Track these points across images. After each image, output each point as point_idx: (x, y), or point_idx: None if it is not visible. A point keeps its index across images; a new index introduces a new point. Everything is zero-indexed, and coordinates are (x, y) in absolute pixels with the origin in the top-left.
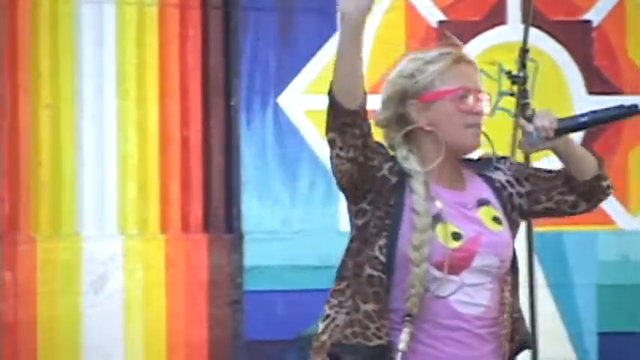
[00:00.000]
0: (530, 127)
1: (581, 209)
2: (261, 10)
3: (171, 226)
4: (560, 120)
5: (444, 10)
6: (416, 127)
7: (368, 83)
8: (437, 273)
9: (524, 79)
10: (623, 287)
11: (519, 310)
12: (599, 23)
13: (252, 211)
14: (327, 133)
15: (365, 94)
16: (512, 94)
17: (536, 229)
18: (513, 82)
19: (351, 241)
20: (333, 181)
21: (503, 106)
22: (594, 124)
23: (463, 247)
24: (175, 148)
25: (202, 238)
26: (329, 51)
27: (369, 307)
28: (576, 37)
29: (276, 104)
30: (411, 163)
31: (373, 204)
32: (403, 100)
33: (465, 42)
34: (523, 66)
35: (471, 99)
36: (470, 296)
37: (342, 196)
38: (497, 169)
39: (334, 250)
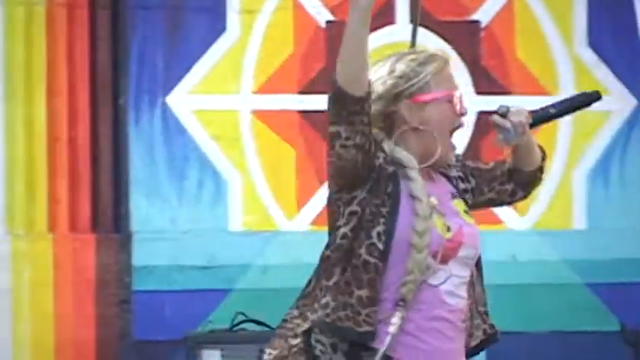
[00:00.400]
0: (507, 124)
1: (519, 197)
2: (149, 9)
3: (59, 225)
4: (531, 113)
5: (333, 10)
6: (410, 126)
7: (257, 82)
8: (432, 262)
9: None
10: (512, 287)
11: (485, 305)
12: (487, 23)
13: (141, 210)
14: (330, 127)
15: (369, 80)
16: None
17: None
18: None
19: (337, 229)
20: (222, 180)
21: None
22: (563, 114)
23: (453, 238)
24: (63, 147)
25: (90, 237)
26: (218, 50)
27: (363, 292)
28: (464, 37)
29: (164, 104)
30: (403, 154)
31: (370, 192)
32: (395, 99)
33: None
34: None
35: (456, 101)
36: (455, 287)
37: (230, 196)
38: (449, 165)
39: (222, 250)
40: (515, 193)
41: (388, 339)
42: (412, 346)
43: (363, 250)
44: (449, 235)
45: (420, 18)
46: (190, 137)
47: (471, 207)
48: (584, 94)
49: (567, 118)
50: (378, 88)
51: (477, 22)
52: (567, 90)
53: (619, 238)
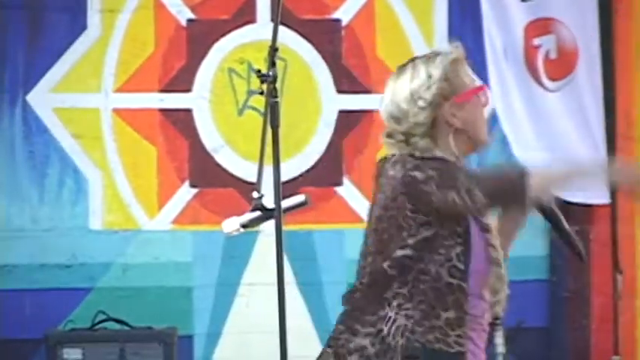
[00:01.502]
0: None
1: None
2: (9, 9)
3: None
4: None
5: (193, 9)
6: (453, 128)
7: (119, 81)
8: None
9: (274, 78)
10: None
11: None
12: (348, 22)
13: (1, 209)
14: (490, 199)
15: None
16: (261, 93)
17: (285, 227)
18: (263, 81)
19: (400, 245)
20: (83, 179)
21: (253, 104)
22: (561, 232)
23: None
24: None
25: None
26: (78, 49)
27: (450, 314)
28: (325, 35)
29: (25, 102)
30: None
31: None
32: (440, 103)
33: (215, 41)
34: (272, 64)
35: (483, 94)
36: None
37: (91, 195)
38: None
39: (84, 248)
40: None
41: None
42: (473, 352)
43: (443, 273)
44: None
45: (281, 16)
46: (51, 136)
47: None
48: (576, 249)
49: None
50: (425, 94)
51: (337, 20)
52: None
53: None
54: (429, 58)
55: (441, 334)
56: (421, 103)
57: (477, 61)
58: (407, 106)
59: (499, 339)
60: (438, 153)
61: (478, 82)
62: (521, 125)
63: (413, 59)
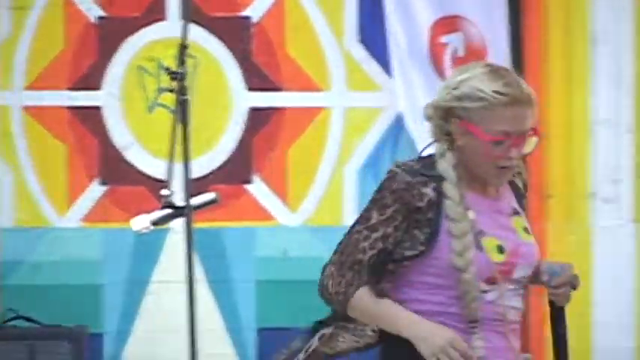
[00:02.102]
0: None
1: None
2: None
3: None
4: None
5: (103, 6)
6: (452, 140)
7: (29, 78)
8: (485, 287)
9: (184, 76)
10: (282, 283)
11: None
12: (258, 20)
13: None
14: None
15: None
16: (171, 90)
17: (195, 225)
18: (172, 79)
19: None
20: None
21: (163, 102)
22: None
23: (507, 260)
24: None
25: None
26: None
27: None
28: (235, 33)
29: None
30: (444, 164)
31: (416, 227)
32: (448, 114)
33: (125, 38)
34: (182, 62)
35: (506, 145)
36: (509, 300)
37: (1, 192)
38: (519, 173)
39: None
40: None
41: None
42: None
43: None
44: (501, 258)
45: (191, 14)
46: None
47: None
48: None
49: (339, 113)
50: (440, 96)
51: (247, 18)
52: (338, 85)
53: None
54: (481, 74)
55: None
56: (438, 97)
57: (388, 58)
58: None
59: (478, 342)
60: (441, 163)
61: (502, 135)
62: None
63: (478, 65)
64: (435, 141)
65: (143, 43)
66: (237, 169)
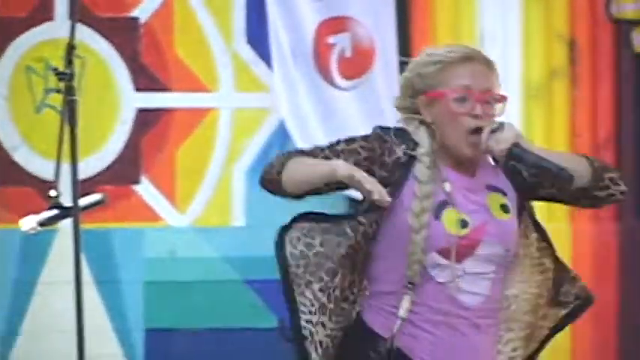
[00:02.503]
0: (484, 144)
1: (582, 205)
2: None
3: None
4: (517, 148)
5: None
6: (421, 119)
7: None
8: (442, 260)
9: (71, 76)
10: (170, 284)
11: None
12: (146, 20)
13: None
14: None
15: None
16: (59, 91)
17: (83, 226)
18: (60, 79)
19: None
20: None
21: (51, 103)
22: (536, 168)
23: (469, 235)
24: None
25: None
26: None
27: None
28: (123, 33)
29: None
30: (419, 133)
31: (386, 185)
32: (413, 94)
33: (12, 39)
34: (70, 62)
35: (469, 101)
36: (469, 284)
37: None
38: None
39: None
40: (572, 201)
41: (398, 322)
42: (425, 339)
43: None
44: (463, 232)
45: (78, 14)
46: None
47: (530, 198)
48: (561, 171)
49: (227, 114)
50: (402, 81)
51: (135, 18)
52: (227, 86)
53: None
54: (428, 50)
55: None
56: (400, 86)
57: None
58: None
59: (405, 303)
60: (416, 136)
61: (465, 89)
62: (310, 126)
63: (428, 48)
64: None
65: (31, 44)
66: (125, 170)
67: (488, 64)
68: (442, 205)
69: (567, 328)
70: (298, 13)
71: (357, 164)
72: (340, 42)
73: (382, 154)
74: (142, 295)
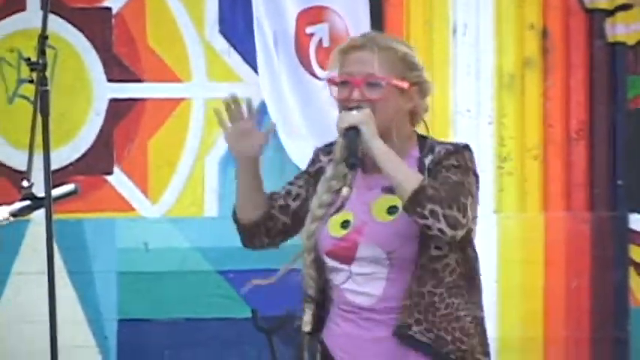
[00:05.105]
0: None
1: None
2: None
3: None
4: (352, 131)
5: None
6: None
7: None
8: (333, 263)
9: (44, 66)
10: (142, 274)
11: (417, 296)
12: (118, 10)
13: None
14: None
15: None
16: (31, 81)
17: (55, 216)
18: (32, 70)
19: None
20: None
21: (23, 93)
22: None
23: (347, 237)
24: None
25: None
26: None
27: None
28: (95, 24)
29: None
30: (337, 144)
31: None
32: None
33: None
34: (42, 53)
35: (349, 86)
36: (359, 285)
37: None
38: (432, 153)
39: None
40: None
41: (304, 338)
42: (332, 330)
43: None
44: (341, 234)
45: (50, 5)
46: None
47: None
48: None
49: (199, 104)
50: None
51: (108, 9)
52: (199, 76)
53: None
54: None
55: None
56: None
57: (249, 49)
58: None
59: (305, 316)
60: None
61: (341, 74)
62: (291, 114)
63: None
64: None
65: (3, 34)
66: (97, 161)
67: (371, 50)
68: (338, 210)
69: (540, 315)
70: (281, 2)
71: (299, 187)
72: (318, 32)
73: (311, 166)
74: (115, 285)
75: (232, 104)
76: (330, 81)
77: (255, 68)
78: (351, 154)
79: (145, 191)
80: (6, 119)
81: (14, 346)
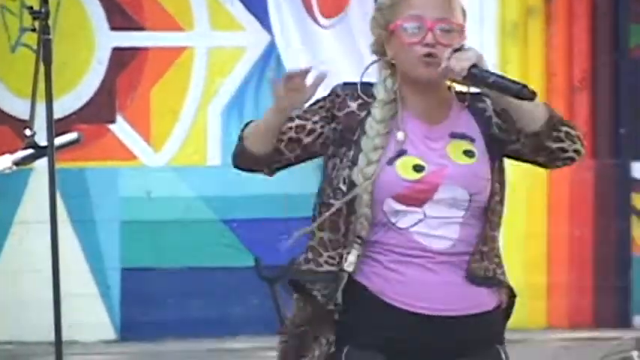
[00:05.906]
0: (445, 62)
1: (538, 162)
2: None
3: None
4: (476, 69)
5: None
6: (383, 59)
7: None
8: (399, 206)
9: (47, 15)
10: (145, 223)
11: (491, 241)
12: None
13: None
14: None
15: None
16: (34, 30)
17: (58, 165)
18: (35, 18)
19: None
20: None
21: (26, 42)
22: (497, 87)
23: (424, 179)
24: None
25: None
26: None
27: (325, 234)
28: None
29: None
30: (379, 86)
31: (339, 144)
32: (377, 32)
33: None
34: (45, 1)
35: (421, 30)
36: (433, 228)
37: None
38: (484, 100)
39: None
40: (531, 154)
41: (345, 276)
42: (393, 278)
43: (332, 196)
44: (416, 177)
45: None
46: None
47: (503, 153)
48: (524, 87)
49: (202, 53)
50: (370, 22)
51: None
52: (202, 25)
53: (253, 175)
54: None
55: (313, 255)
56: (370, 27)
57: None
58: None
59: (351, 257)
60: (379, 84)
61: (416, 18)
62: (300, 61)
63: None
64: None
65: None
66: (100, 109)
67: None
68: (399, 154)
69: (544, 262)
70: None
71: (316, 122)
72: None
73: (333, 107)
74: (118, 234)
75: (298, 76)
76: (398, 25)
77: (258, 17)
78: (514, 84)
79: (147, 140)
80: (8, 68)
81: (17, 295)
